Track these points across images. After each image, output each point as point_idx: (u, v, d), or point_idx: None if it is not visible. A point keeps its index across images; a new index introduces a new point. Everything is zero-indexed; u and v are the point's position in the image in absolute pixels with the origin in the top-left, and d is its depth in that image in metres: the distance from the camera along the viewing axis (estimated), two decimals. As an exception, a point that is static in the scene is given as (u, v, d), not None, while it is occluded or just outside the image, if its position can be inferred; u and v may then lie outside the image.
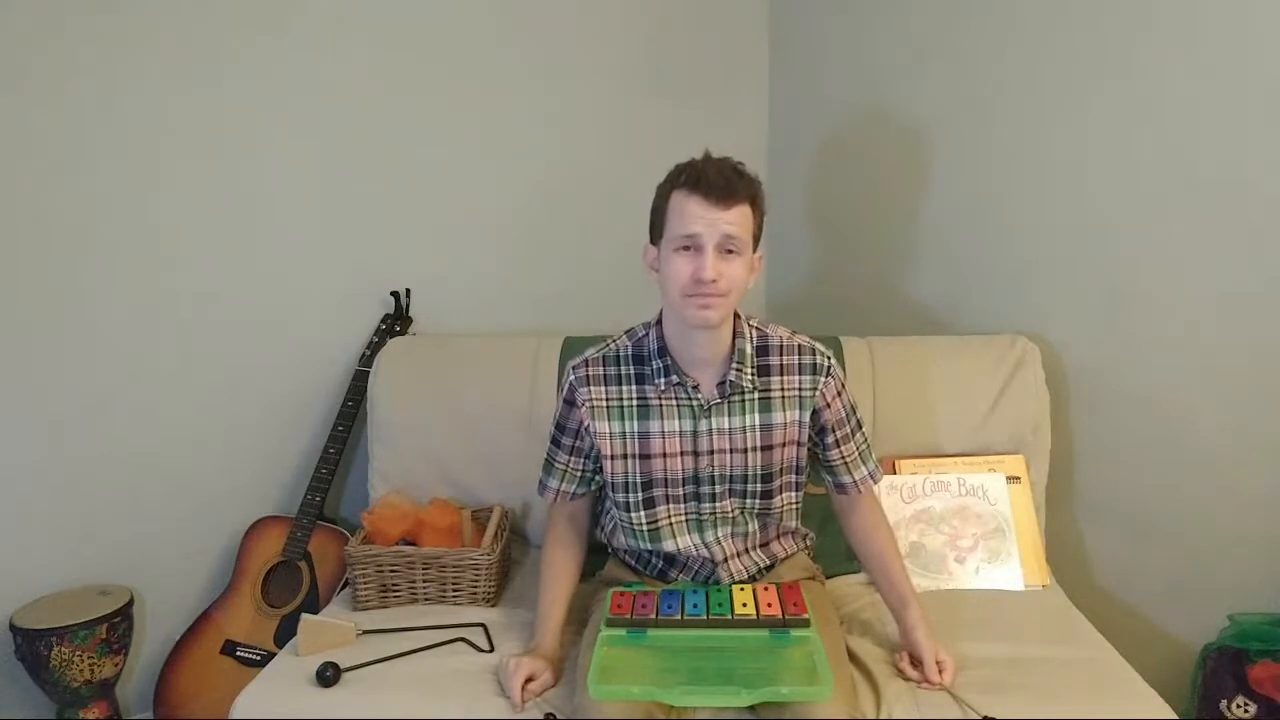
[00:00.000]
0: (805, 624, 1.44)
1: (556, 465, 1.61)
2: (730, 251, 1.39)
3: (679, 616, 1.47)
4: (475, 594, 1.75)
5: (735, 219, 1.38)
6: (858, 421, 1.60)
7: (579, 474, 1.60)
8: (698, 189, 1.38)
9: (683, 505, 1.56)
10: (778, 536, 1.65)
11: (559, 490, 1.61)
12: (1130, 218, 1.83)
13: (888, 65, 2.29)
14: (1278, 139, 1.60)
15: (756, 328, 1.54)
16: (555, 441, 1.60)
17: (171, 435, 2.08)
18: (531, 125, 2.32)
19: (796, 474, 1.60)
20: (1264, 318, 1.67)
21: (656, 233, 1.46)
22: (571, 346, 2.01)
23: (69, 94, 1.87)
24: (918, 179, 2.24)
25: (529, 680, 1.43)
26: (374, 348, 2.14)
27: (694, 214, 1.38)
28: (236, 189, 2.05)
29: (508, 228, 2.35)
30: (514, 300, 2.38)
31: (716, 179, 1.38)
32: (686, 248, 1.39)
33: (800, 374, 1.53)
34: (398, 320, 2.22)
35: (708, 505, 1.56)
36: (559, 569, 1.60)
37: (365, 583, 1.73)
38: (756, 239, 1.44)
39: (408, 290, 2.25)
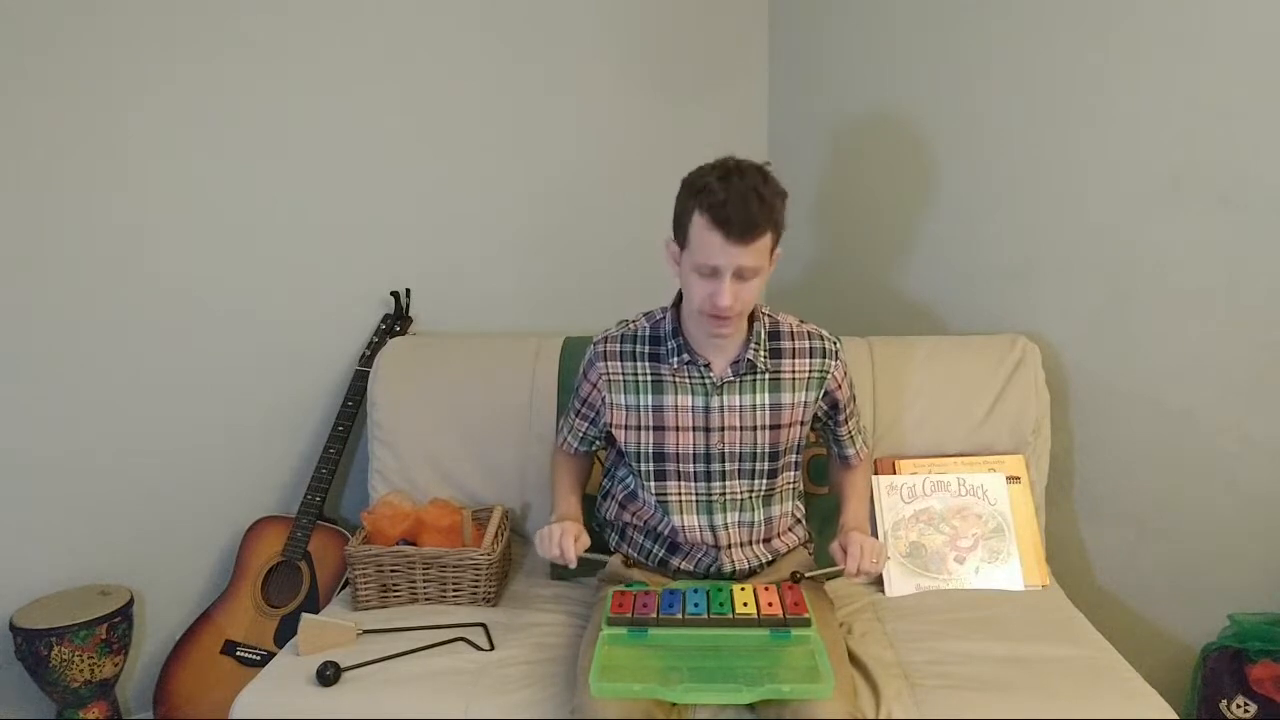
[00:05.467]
0: (806, 623, 1.45)
1: (568, 420, 1.74)
2: (747, 276, 1.44)
3: (680, 616, 1.47)
4: (475, 594, 1.75)
5: (754, 251, 1.42)
6: (855, 398, 1.74)
7: (581, 434, 1.73)
8: (719, 225, 1.39)
9: (693, 484, 1.62)
10: (779, 533, 1.69)
11: (564, 439, 1.76)
12: (1130, 217, 1.83)
13: (887, 66, 2.29)
14: (1277, 138, 1.60)
15: (768, 315, 1.63)
16: (572, 404, 1.73)
17: (172, 435, 2.08)
18: (532, 125, 2.33)
19: (797, 453, 1.69)
20: (1264, 317, 1.67)
21: (678, 237, 1.49)
22: (571, 346, 2.01)
23: (68, 94, 1.87)
24: (917, 179, 2.24)
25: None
26: (374, 348, 2.14)
27: (714, 247, 1.41)
28: (237, 189, 2.05)
29: (507, 228, 2.35)
30: (514, 300, 2.38)
31: (738, 216, 1.38)
32: (705, 272, 1.43)
33: (811, 357, 1.62)
34: (398, 320, 2.22)
35: (718, 485, 1.61)
36: (566, 467, 1.77)
37: (365, 583, 1.73)
38: (775, 245, 1.48)
39: (408, 290, 2.25)
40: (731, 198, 1.38)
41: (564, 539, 1.53)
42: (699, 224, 1.41)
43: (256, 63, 2.02)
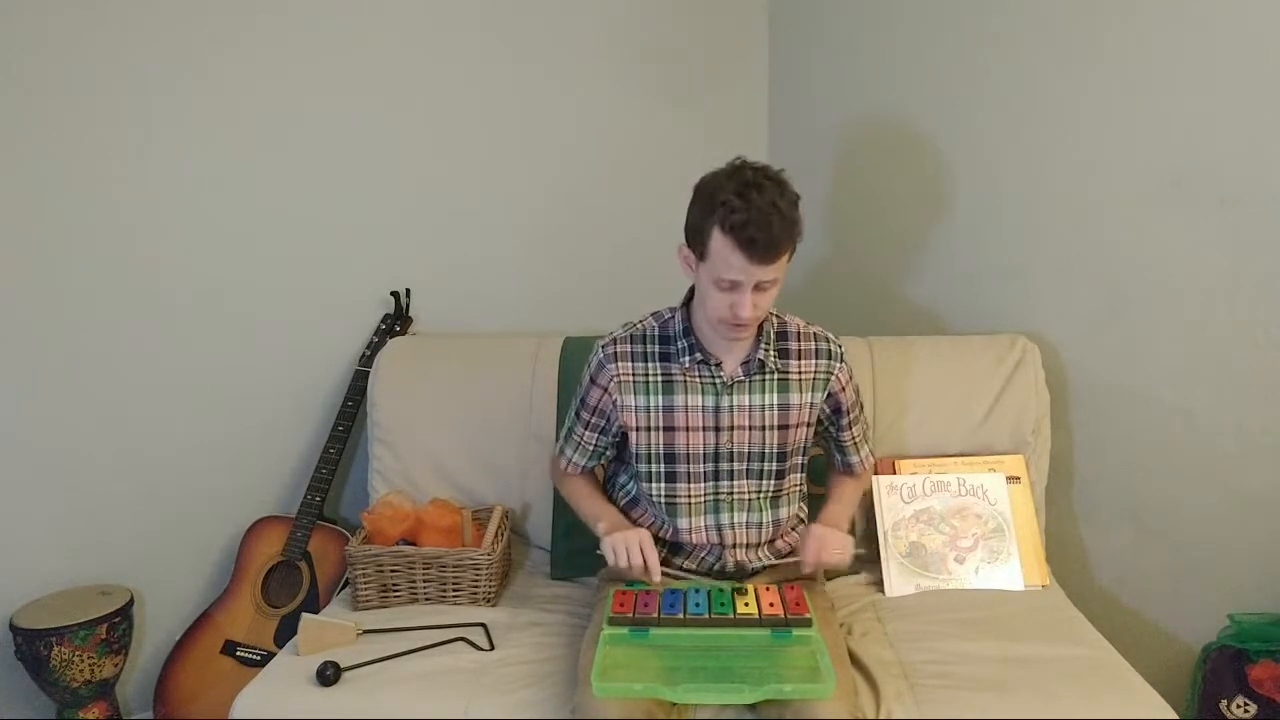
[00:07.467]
0: (807, 624, 1.45)
1: (573, 437, 1.69)
2: (767, 288, 1.45)
3: (681, 616, 1.47)
4: (475, 594, 1.75)
5: (776, 267, 1.43)
6: (862, 406, 1.74)
7: (591, 448, 1.68)
8: (742, 247, 1.38)
9: (701, 484, 1.61)
10: (782, 534, 1.69)
11: (570, 460, 1.70)
12: (1129, 217, 1.83)
13: (886, 66, 2.29)
14: (1277, 138, 1.60)
15: (776, 315, 1.63)
16: (576, 414, 1.68)
17: (172, 435, 2.08)
18: (532, 126, 2.32)
19: (804, 455, 1.69)
20: (1264, 317, 1.67)
21: (694, 248, 1.48)
22: (571, 346, 2.01)
23: (69, 93, 1.87)
24: (917, 179, 2.25)
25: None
26: (374, 348, 2.14)
27: (735, 266, 1.40)
28: (237, 189, 2.05)
29: (507, 228, 2.35)
30: (514, 300, 2.38)
31: (762, 237, 1.37)
32: (725, 287, 1.44)
33: (817, 359, 1.62)
34: (398, 320, 2.21)
35: (725, 485, 1.61)
36: (583, 483, 1.72)
37: (365, 583, 1.73)
38: (793, 252, 1.48)
39: (408, 290, 2.25)
40: (754, 218, 1.37)
41: (645, 548, 1.50)
42: (720, 241, 1.40)
43: (256, 63, 2.02)
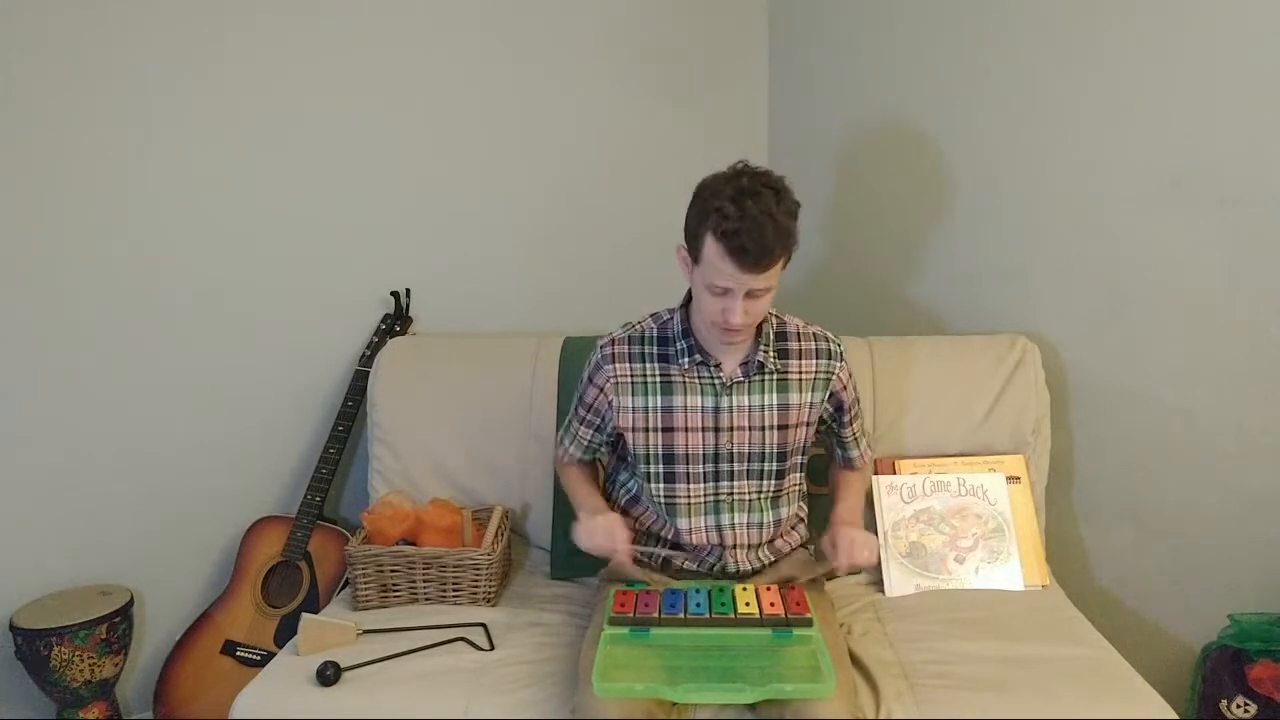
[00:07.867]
0: (808, 623, 1.45)
1: (571, 430, 1.72)
2: (759, 295, 1.44)
3: (682, 615, 1.47)
4: (475, 594, 1.75)
5: (767, 275, 1.42)
6: (859, 401, 1.74)
7: (585, 443, 1.71)
8: (732, 254, 1.38)
9: (701, 485, 1.61)
10: (782, 534, 1.69)
11: (567, 450, 1.74)
12: (1129, 217, 1.83)
13: (886, 66, 2.29)
14: (1277, 138, 1.60)
15: (775, 315, 1.63)
16: (575, 411, 1.70)
17: (172, 435, 2.08)
18: (532, 126, 2.33)
19: (803, 454, 1.69)
20: (1263, 317, 1.67)
21: (690, 248, 1.49)
22: (571, 346, 2.01)
23: (69, 93, 1.87)
24: (917, 179, 2.25)
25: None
26: (374, 348, 2.14)
27: (726, 273, 1.40)
28: (237, 189, 2.05)
29: (507, 228, 2.35)
30: (514, 300, 2.38)
31: (753, 245, 1.36)
32: (717, 292, 1.44)
33: (816, 358, 1.63)
34: (398, 320, 2.22)
35: (725, 485, 1.61)
36: (577, 473, 1.74)
37: (365, 583, 1.73)
38: (789, 259, 1.48)
39: (408, 290, 2.25)
40: (746, 226, 1.36)
41: (616, 533, 1.51)
42: (712, 247, 1.40)
43: (256, 63, 2.02)
